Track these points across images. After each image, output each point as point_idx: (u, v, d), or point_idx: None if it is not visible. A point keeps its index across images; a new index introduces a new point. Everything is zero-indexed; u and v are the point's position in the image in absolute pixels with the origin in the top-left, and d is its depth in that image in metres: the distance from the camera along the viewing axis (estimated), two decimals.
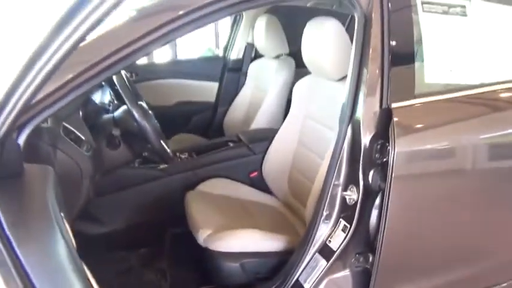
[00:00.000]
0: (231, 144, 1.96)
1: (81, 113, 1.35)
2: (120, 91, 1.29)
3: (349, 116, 1.15)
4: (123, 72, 1.55)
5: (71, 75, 0.84)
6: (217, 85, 2.65)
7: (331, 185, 1.18)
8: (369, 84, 1.11)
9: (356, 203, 1.14)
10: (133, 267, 1.64)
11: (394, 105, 1.10)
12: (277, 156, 1.78)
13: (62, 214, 0.74)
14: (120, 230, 1.69)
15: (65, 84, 0.83)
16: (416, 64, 1.14)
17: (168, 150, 1.48)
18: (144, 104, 1.45)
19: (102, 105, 1.63)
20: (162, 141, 1.41)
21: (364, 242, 1.19)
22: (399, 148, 1.06)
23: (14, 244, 0.62)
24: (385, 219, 1.10)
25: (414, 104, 1.12)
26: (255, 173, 1.87)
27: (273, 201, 1.78)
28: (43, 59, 0.65)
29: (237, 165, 1.87)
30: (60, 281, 0.62)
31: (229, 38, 2.62)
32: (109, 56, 0.84)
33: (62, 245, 0.64)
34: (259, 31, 2.14)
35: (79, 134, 1.13)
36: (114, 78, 1.34)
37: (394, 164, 1.06)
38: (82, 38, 0.67)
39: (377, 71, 1.11)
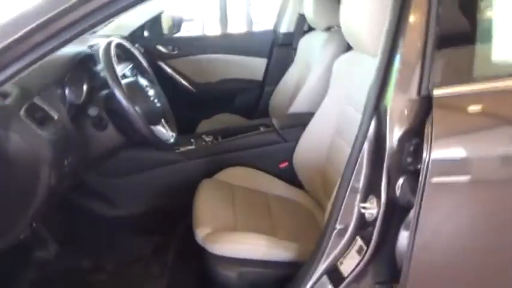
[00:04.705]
0: (262, 129, 1.74)
1: (85, 88, 1.24)
2: (103, 65, 1.15)
3: (375, 104, 0.85)
4: (127, 45, 1.39)
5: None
6: (265, 62, 2.41)
7: (347, 191, 0.91)
8: (405, 60, 0.80)
9: (376, 219, 0.86)
10: (143, 257, 1.54)
11: (437, 91, 0.78)
12: (311, 146, 1.52)
13: None
14: (134, 214, 1.60)
15: None
16: (479, 34, 0.80)
17: (165, 135, 1.32)
18: (141, 81, 1.29)
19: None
20: (160, 126, 1.25)
21: (387, 269, 0.91)
22: (440, 152, 0.76)
23: None
24: (414, 243, 0.81)
25: (470, 91, 0.79)
26: (285, 164, 1.63)
27: (303, 197, 1.53)
28: None
29: (265, 153, 1.64)
30: None
31: (280, 8, 2.35)
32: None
33: None
34: None
35: (50, 112, 1.01)
36: (101, 51, 1.19)
37: (431, 173, 0.76)
38: None
39: (418, 43, 0.79)
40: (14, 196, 0.93)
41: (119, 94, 1.11)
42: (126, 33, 2.11)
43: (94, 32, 1.81)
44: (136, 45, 2.17)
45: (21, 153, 0.88)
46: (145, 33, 2.26)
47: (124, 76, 1.37)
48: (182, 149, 1.63)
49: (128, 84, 1.24)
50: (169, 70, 2.34)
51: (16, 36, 0.71)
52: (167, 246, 1.54)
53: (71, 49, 1.28)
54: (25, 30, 0.72)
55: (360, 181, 0.89)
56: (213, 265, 1.13)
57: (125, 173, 1.55)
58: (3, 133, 0.85)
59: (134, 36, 2.16)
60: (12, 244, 0.99)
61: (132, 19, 2.12)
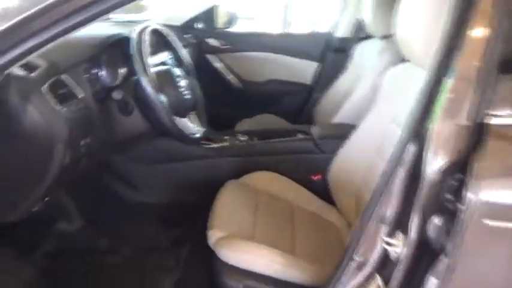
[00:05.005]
0: (300, 136, 1.64)
1: (121, 71, 1.22)
2: (132, 51, 1.11)
3: (416, 125, 0.73)
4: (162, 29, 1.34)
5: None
6: (316, 65, 2.30)
7: (371, 220, 0.80)
8: (459, 80, 0.68)
9: (400, 259, 0.74)
10: (159, 247, 1.51)
11: (495, 120, 0.65)
12: (348, 161, 1.40)
13: None
14: (157, 204, 1.58)
15: None
16: None
17: (190, 129, 1.27)
18: (175, 71, 1.25)
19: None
20: (184, 118, 1.20)
21: None
22: (490, 192, 0.63)
23: None
24: None
25: None
26: (319, 176, 1.52)
27: (333, 215, 1.42)
28: None
29: (298, 161, 1.55)
30: None
31: (339, 11, 2.22)
32: None
33: None
34: (368, 2, 1.71)
35: (74, 90, 0.99)
36: (134, 36, 1.15)
37: (476, 215, 0.63)
38: None
39: (477, 61, 0.66)
40: (26, 169, 0.92)
41: (143, 80, 1.08)
42: (179, 23, 2.11)
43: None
44: (188, 36, 2.17)
45: (37, 128, 0.87)
46: (198, 25, 2.24)
47: (163, 64, 1.34)
48: (214, 145, 1.58)
49: (159, 72, 1.21)
50: (217, 64, 2.31)
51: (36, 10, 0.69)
52: (185, 241, 1.50)
53: (109, 30, 1.28)
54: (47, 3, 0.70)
55: (387, 211, 0.77)
56: (219, 272, 1.07)
57: (153, 161, 1.53)
58: (21, 105, 0.85)
59: (187, 26, 2.15)
60: (23, 216, 0.99)
61: (185, 10, 2.11)
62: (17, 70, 0.86)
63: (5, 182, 0.88)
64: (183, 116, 1.29)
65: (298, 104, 2.35)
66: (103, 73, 1.14)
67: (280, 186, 1.48)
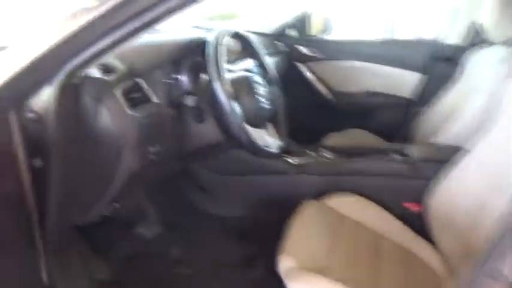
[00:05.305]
0: (396, 156, 1.43)
1: (204, 76, 1.18)
2: (207, 55, 1.04)
3: None
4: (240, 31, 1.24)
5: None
6: (418, 77, 2.04)
7: (484, 273, 0.61)
8: None
9: None
10: (231, 262, 1.44)
11: None
12: (454, 193, 1.16)
13: None
14: (232, 216, 1.51)
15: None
16: None
17: (266, 141, 1.15)
18: (255, 78, 1.15)
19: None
20: (256, 128, 1.10)
21: None
22: None
23: None
24: None
25: None
26: (414, 205, 1.30)
27: (429, 254, 1.18)
28: None
29: (391, 186, 1.34)
30: None
31: (448, 15, 1.93)
32: None
33: None
34: (489, 3, 1.43)
35: (148, 95, 0.96)
36: (211, 39, 1.08)
37: None
38: None
39: None
40: (94, 173, 0.92)
41: (216, 85, 1.00)
42: (269, 30, 2.05)
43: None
44: (279, 44, 2.09)
45: (107, 131, 0.86)
46: (290, 32, 2.15)
47: (245, 71, 1.26)
48: (295, 160, 1.46)
49: (237, 79, 1.13)
50: (308, 73, 2.19)
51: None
52: (257, 260, 1.41)
53: (191, 34, 1.24)
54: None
55: (505, 268, 0.57)
56: None
57: (230, 172, 1.48)
58: (94, 107, 0.84)
59: (278, 34, 2.08)
60: (92, 220, 0.99)
61: (277, 16, 2.04)
62: (93, 71, 0.86)
63: (74, 184, 0.87)
64: (259, 127, 1.19)
65: (394, 119, 2.11)
66: (183, 78, 1.10)
67: (366, 212, 1.29)
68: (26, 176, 0.80)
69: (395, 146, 1.54)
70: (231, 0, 2.36)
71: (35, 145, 0.79)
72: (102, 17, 0.68)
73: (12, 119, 0.76)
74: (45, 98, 0.77)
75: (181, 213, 1.55)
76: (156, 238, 1.49)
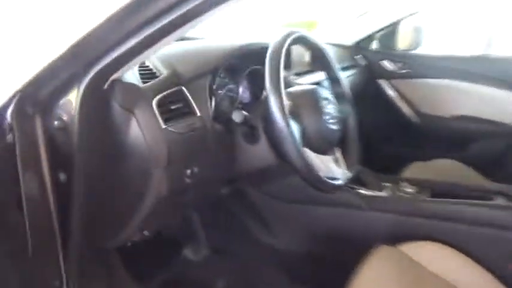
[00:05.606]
0: (499, 200, 1.12)
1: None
2: (267, 62, 0.85)
3: None
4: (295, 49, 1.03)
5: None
6: None
7: None
8: None
9: None
10: None
11: None
12: None
13: None
14: (288, 250, 1.31)
15: None
16: None
17: (331, 171, 0.92)
18: (323, 92, 0.95)
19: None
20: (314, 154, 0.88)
21: None
22: None
23: None
24: None
25: None
26: None
27: None
28: None
29: (491, 238, 1.05)
30: None
31: None
32: None
33: None
34: None
35: (192, 106, 0.81)
36: (272, 45, 0.89)
37: None
38: None
39: None
40: (121, 195, 0.80)
41: (272, 99, 0.81)
42: (350, 42, 1.84)
43: None
44: (358, 57, 1.88)
45: (136, 147, 0.73)
46: (373, 45, 1.91)
47: (317, 84, 1.07)
48: (367, 193, 1.23)
49: (300, 93, 0.94)
50: (390, 92, 1.93)
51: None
52: None
53: (253, 39, 1.08)
54: None
55: None
56: None
57: (288, 200, 1.29)
58: (122, 116, 0.72)
59: (359, 46, 1.86)
60: (122, 245, 0.88)
61: (361, 26, 1.83)
62: (128, 75, 0.75)
63: (97, 205, 0.76)
64: (324, 152, 0.97)
65: (496, 151, 1.75)
66: (237, 90, 0.95)
67: (456, 268, 1.01)
68: (50, 191, 0.71)
69: (500, 187, 1.23)
70: (313, 8, 2.20)
71: (61, 157, 0.70)
72: (131, 11, 0.55)
73: (38, 125, 0.67)
74: (73, 104, 0.67)
75: (234, 239, 1.39)
76: (203, 263, 1.36)
